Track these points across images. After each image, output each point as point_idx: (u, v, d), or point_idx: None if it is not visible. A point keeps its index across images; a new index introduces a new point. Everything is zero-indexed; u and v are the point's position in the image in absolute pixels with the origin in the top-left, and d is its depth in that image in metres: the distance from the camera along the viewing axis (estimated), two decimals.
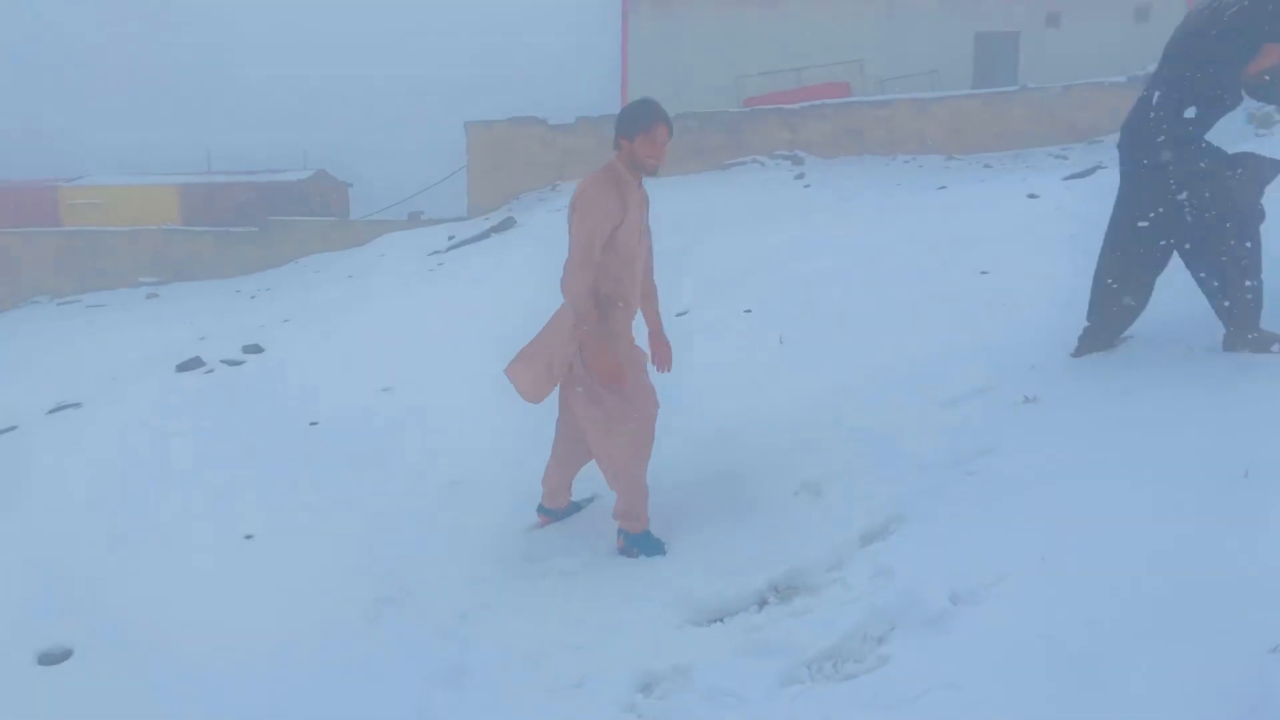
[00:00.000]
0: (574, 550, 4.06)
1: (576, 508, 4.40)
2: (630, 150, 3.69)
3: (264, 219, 21.25)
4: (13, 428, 7.30)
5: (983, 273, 6.74)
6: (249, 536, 4.66)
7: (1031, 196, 9.77)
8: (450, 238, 16.33)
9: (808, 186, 15.10)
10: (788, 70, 20.10)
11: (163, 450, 6.03)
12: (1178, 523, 2.76)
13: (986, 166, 15.90)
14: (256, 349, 8.74)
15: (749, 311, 7.49)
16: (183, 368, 8.32)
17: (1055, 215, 8.42)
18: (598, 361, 3.70)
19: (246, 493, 5.18)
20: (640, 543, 3.89)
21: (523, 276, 10.21)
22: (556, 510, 4.34)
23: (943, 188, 12.49)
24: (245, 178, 25.30)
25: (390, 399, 6.80)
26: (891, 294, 6.65)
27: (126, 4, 47.61)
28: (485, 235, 15.45)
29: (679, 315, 7.89)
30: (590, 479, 4.37)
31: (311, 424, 6.31)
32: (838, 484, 3.90)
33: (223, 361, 8.37)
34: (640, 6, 21.18)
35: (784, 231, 10.22)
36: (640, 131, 3.67)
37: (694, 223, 11.61)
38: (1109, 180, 9.90)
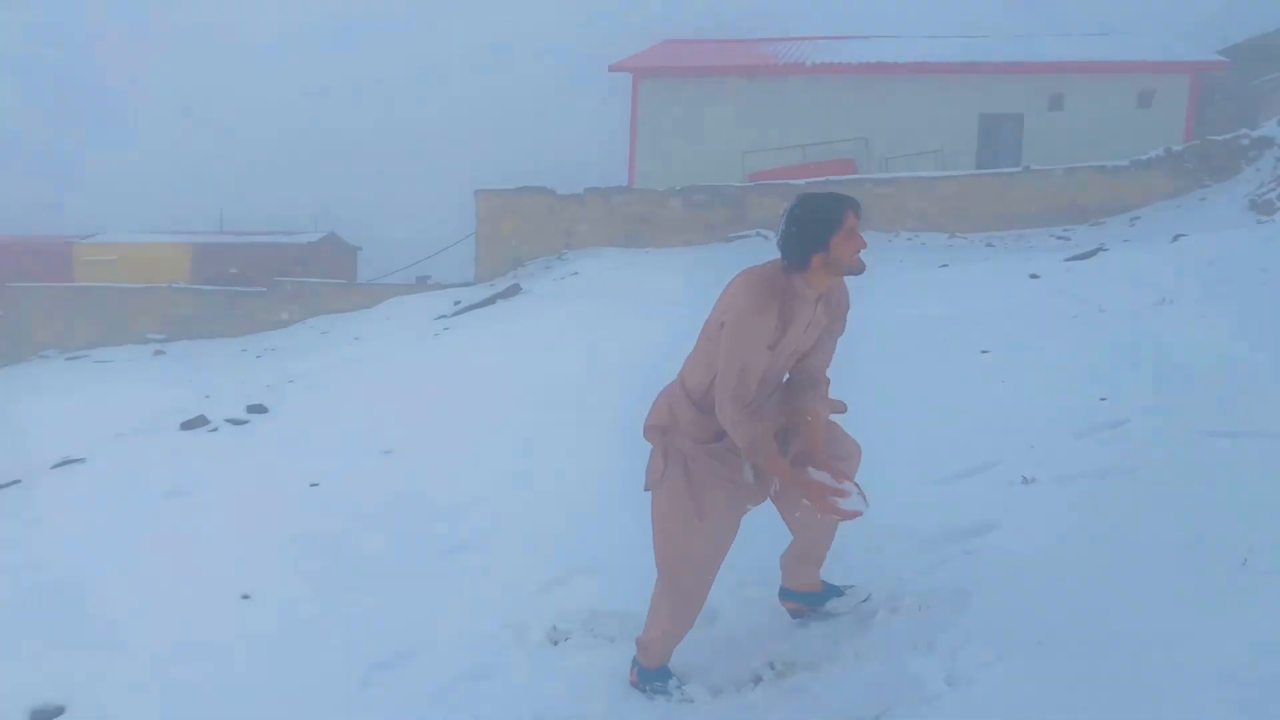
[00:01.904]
0: (574, 617, 4.02)
1: (835, 592, 3.52)
2: (827, 258, 2.89)
3: (273, 279, 21.48)
4: (16, 481, 7.32)
5: (983, 352, 6.80)
6: (246, 596, 4.65)
7: (1033, 277, 9.89)
8: (456, 303, 16.49)
9: None
10: (793, 147, 20.45)
11: (163, 508, 6.04)
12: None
13: (989, 245, 16.07)
14: (261, 409, 8.79)
15: None
16: (187, 425, 8.36)
17: (1057, 296, 8.53)
18: (796, 485, 3.01)
19: (245, 552, 5.17)
20: (654, 678, 3.39)
21: (527, 342, 10.31)
22: (808, 593, 3.55)
23: (945, 265, 12.63)
24: (257, 238, 25.63)
25: (391, 461, 6.82)
26: (891, 369, 6.69)
27: (146, 64, 48.73)
28: (491, 301, 15.60)
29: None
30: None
31: (312, 485, 6.33)
32: (836, 559, 3.90)
33: (227, 420, 8.42)
34: (648, 84, 21.63)
35: None
36: (834, 231, 2.89)
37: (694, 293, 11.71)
38: (1110, 262, 10.09)
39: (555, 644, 3.88)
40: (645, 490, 3.30)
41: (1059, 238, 15.91)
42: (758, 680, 3.28)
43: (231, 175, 40.29)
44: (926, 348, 7.20)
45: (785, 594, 3.57)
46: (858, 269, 2.94)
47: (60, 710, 3.70)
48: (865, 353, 7.56)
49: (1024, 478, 4.16)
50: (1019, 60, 20.85)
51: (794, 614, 3.57)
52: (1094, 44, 22.39)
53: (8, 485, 7.22)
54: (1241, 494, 3.43)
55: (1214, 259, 8.42)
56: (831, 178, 18.43)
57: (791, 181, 18.45)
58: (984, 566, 3.46)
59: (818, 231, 2.89)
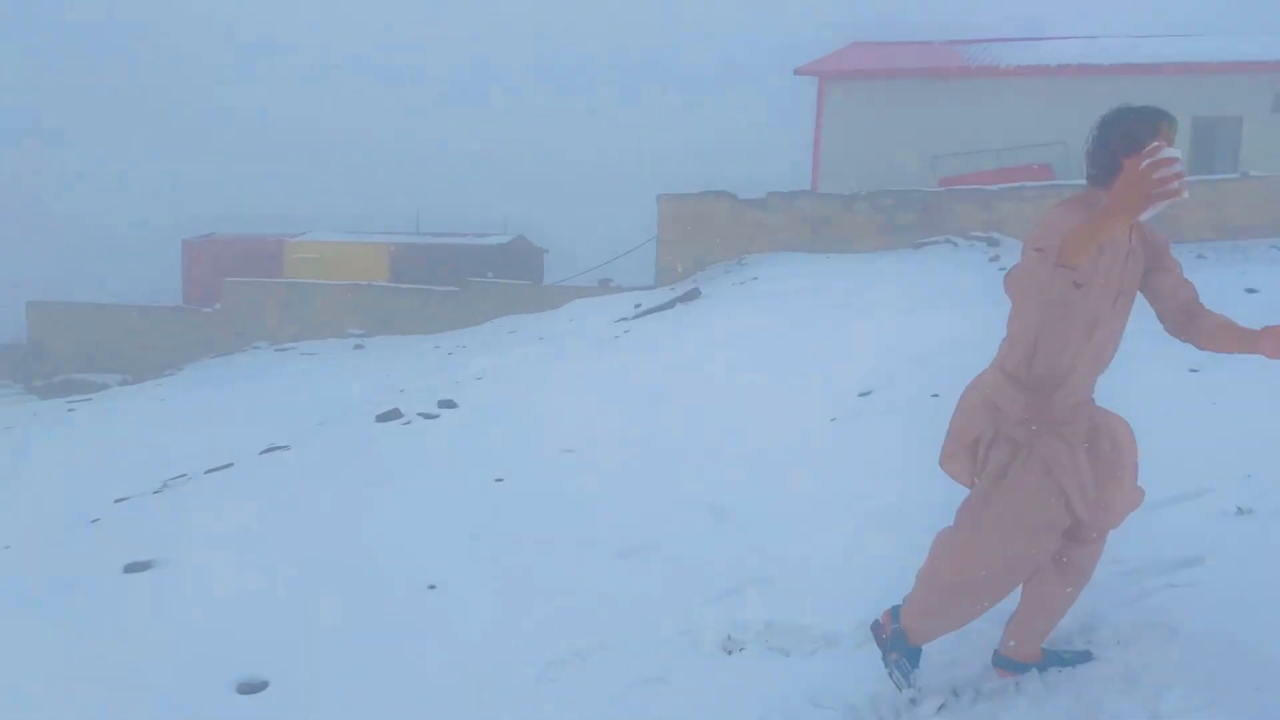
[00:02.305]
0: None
1: (1060, 660, 3.22)
2: (1128, 178, 2.31)
3: (464, 280, 22.44)
4: (229, 464, 7.95)
5: (1192, 370, 6.34)
6: (432, 586, 4.86)
7: (1250, 291, 9.16)
8: (637, 305, 16.72)
9: (1002, 269, 14.64)
10: (986, 151, 19.66)
11: (357, 498, 6.41)
12: None
13: (1200, 257, 14.95)
14: (450, 404, 9.20)
15: (936, 396, 7.30)
16: (382, 418, 8.85)
17: (1277, 311, 7.85)
18: (1117, 200, 2.34)
19: (430, 542, 5.41)
20: (903, 647, 3.19)
21: (708, 348, 10.36)
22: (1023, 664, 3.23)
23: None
24: (451, 240, 26.86)
25: (572, 460, 6.99)
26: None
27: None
28: (671, 305, 15.73)
29: (861, 395, 7.78)
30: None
31: (497, 480, 6.57)
32: None
33: (419, 414, 8.85)
34: (835, 87, 21.31)
35: (969, 312, 9.93)
36: (1149, 139, 2.58)
37: (880, 299, 11.47)
38: None
39: (730, 654, 3.88)
40: (971, 484, 3.11)
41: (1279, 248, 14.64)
42: (940, 707, 3.17)
43: (427, 180, 42.41)
44: (1129, 361, 6.76)
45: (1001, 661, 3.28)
46: (1172, 193, 2.26)
47: (264, 684, 3.97)
48: None
49: (1239, 508, 3.86)
50: (1237, 59, 19.30)
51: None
52: None
53: (221, 469, 7.85)
54: None
55: None
56: (1026, 184, 17.62)
57: (985, 187, 17.75)
58: (1192, 602, 3.23)
59: (1132, 139, 2.66)
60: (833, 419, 7.29)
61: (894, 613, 3.23)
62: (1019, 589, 3.12)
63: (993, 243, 16.87)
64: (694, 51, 53.81)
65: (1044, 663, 3.19)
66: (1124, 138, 2.71)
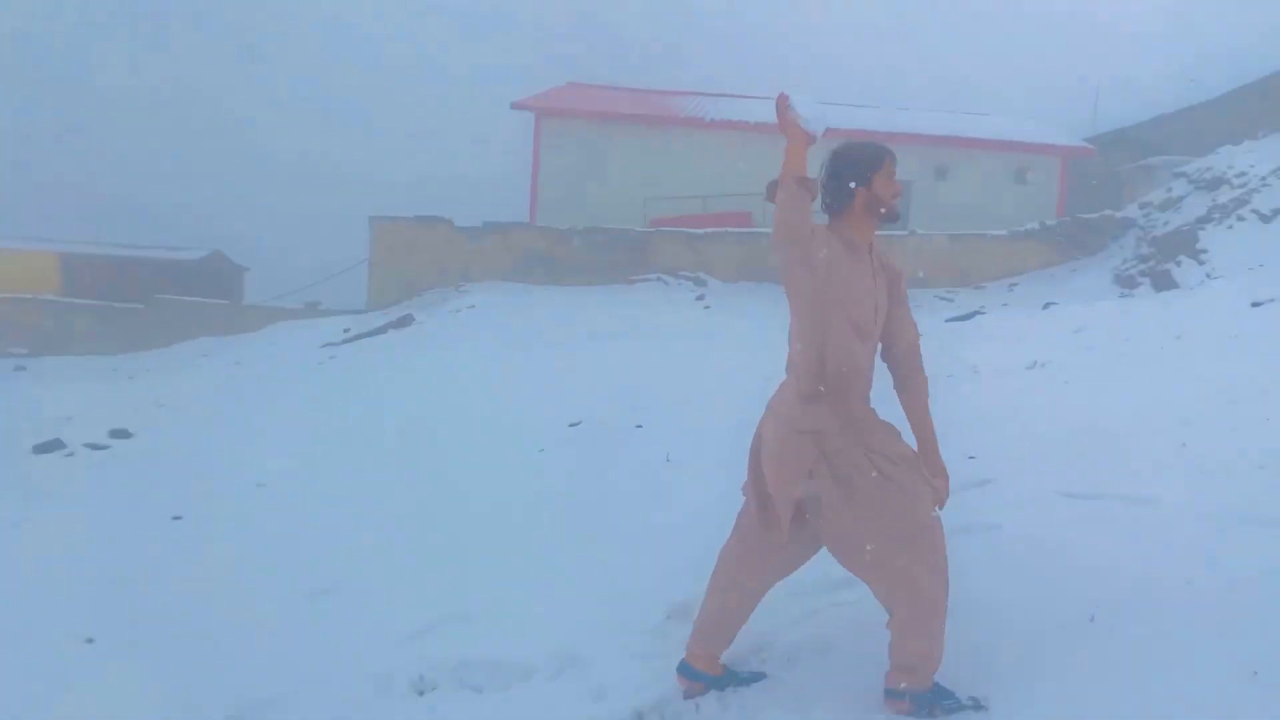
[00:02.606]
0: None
1: (738, 680, 3.33)
2: (869, 195, 3.02)
3: (152, 296, 20.61)
4: None
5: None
6: (90, 640, 4.35)
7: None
8: (346, 330, 16.11)
9: (707, 308, 15.49)
10: (693, 197, 20.79)
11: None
12: None
13: None
14: (125, 434, 8.37)
15: (639, 427, 7.54)
16: (40, 449, 7.89)
17: (937, 354, 8.80)
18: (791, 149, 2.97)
19: (86, 592, 4.86)
20: (939, 700, 2.98)
21: (420, 376, 10.13)
22: (712, 676, 3.31)
23: None
24: (136, 252, 24.61)
25: (265, 495, 6.56)
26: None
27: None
28: (383, 330, 15.28)
29: (572, 425, 7.89)
30: None
31: (175, 518, 6.03)
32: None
33: (85, 445, 7.98)
34: (551, 124, 21.72)
35: (680, 347, 10.40)
36: (875, 170, 3.04)
37: (597, 331, 11.74)
38: (987, 325, 10.49)
39: (421, 694, 3.75)
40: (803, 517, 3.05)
41: (943, 299, 16.51)
42: None
43: (115, 187, 38.68)
44: None
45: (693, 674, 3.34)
46: (895, 214, 3.06)
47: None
48: (740, 399, 7.67)
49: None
50: (909, 131, 21.74)
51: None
52: (975, 122, 23.75)
53: None
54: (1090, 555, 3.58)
55: (1081, 326, 8.87)
56: (730, 229, 18.80)
57: (692, 230, 18.75)
58: (849, 621, 3.49)
59: (861, 169, 3.03)
60: (541, 450, 7.34)
61: (897, 694, 3.00)
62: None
63: (699, 282, 17.84)
64: (418, 79, 53.00)
65: (722, 681, 3.30)
66: (853, 166, 3.04)
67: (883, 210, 3.04)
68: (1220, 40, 28.72)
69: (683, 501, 5.30)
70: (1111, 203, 20.17)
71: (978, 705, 2.93)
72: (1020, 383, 6.98)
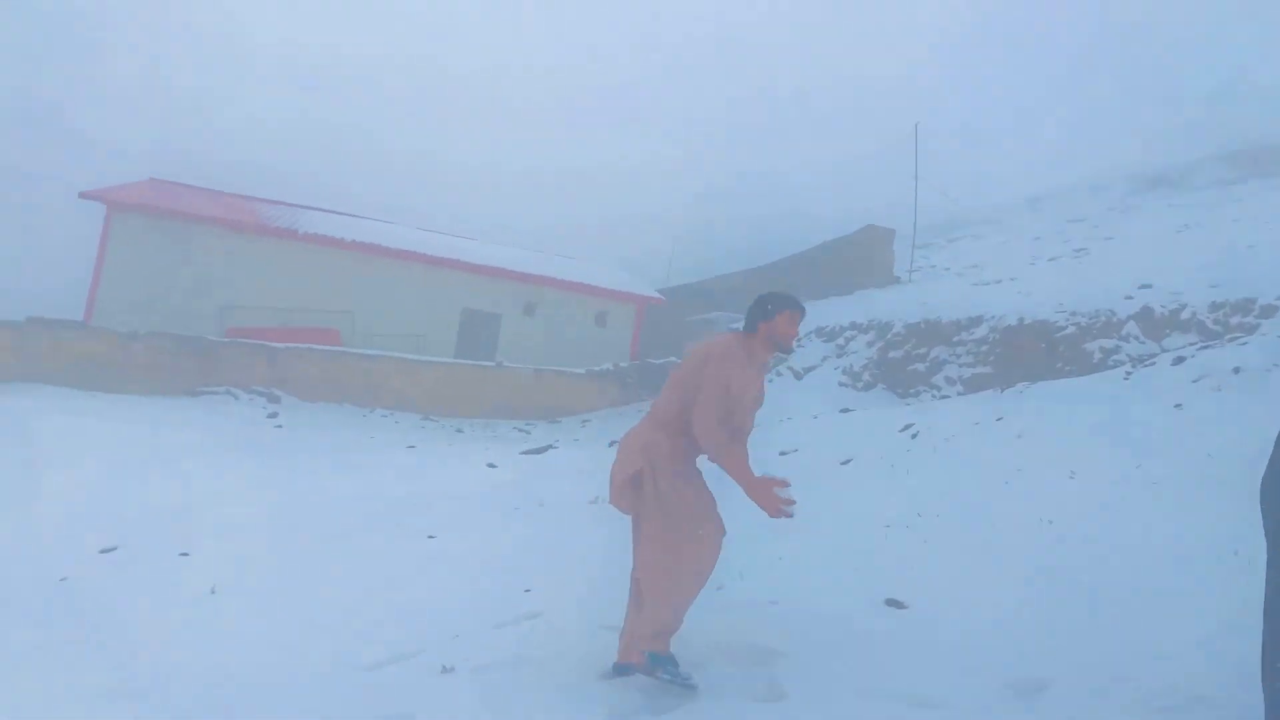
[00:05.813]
0: None
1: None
2: (770, 329, 3.99)
3: None
4: None
5: (430, 537, 6.94)
6: None
7: (491, 466, 10.47)
8: None
9: (279, 427, 14.69)
10: (276, 309, 19.94)
11: None
12: None
13: (459, 431, 16.79)
14: None
15: (185, 555, 6.91)
16: None
17: (508, 487, 9.09)
18: (754, 491, 3.72)
19: None
20: (667, 664, 3.79)
21: None
22: (632, 667, 3.97)
23: (413, 446, 12.89)
24: None
25: None
26: (334, 549, 6.57)
27: None
28: None
29: (104, 551, 7.05)
30: None
31: None
32: None
33: None
34: (124, 218, 19.91)
35: (240, 471, 9.75)
36: (782, 311, 3.99)
37: (149, 452, 10.63)
38: (557, 459, 11.04)
39: None
40: (635, 512, 3.98)
41: (521, 430, 17.13)
42: None
43: None
44: (374, 529, 7.19)
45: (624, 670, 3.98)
46: (787, 347, 4.05)
47: None
48: (331, 530, 7.34)
49: (444, 666, 4.22)
50: (500, 266, 22.72)
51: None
52: (562, 264, 25.30)
53: None
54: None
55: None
56: (315, 346, 18.15)
57: (273, 344, 17.82)
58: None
59: (771, 308, 4.00)
60: (63, 579, 6.46)
61: (628, 658, 3.92)
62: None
63: (274, 399, 16.92)
64: None
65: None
66: (762, 308, 4.01)
67: (780, 342, 4.01)
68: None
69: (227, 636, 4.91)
70: (677, 350, 22.35)
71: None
72: (579, 518, 7.35)
